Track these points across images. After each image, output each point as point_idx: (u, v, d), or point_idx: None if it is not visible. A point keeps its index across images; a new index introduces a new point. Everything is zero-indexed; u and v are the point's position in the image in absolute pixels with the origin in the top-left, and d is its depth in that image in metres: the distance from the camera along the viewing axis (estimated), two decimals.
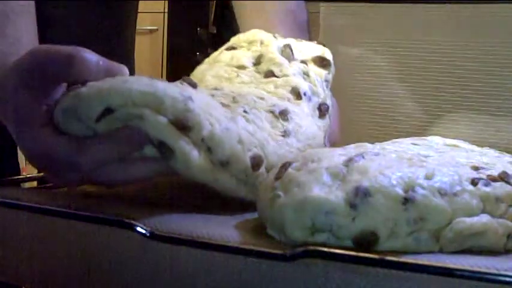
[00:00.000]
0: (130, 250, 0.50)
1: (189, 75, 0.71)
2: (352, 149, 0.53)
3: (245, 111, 0.58)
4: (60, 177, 0.55)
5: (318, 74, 0.70)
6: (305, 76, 0.69)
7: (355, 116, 0.89)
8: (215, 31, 1.66)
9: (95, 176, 0.53)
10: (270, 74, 0.68)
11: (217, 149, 0.52)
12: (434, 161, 0.51)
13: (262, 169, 0.56)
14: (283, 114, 0.61)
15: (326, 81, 0.70)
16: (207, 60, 0.73)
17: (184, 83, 0.56)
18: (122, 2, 0.92)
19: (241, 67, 0.70)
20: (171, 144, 0.51)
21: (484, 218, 0.47)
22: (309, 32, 0.88)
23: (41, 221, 0.54)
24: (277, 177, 0.50)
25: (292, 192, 0.47)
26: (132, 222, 0.49)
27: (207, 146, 0.52)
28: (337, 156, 0.50)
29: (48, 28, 0.63)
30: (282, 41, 0.73)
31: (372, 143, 0.57)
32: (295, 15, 0.87)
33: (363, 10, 0.90)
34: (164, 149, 0.51)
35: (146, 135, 0.51)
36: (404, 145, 0.59)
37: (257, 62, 0.70)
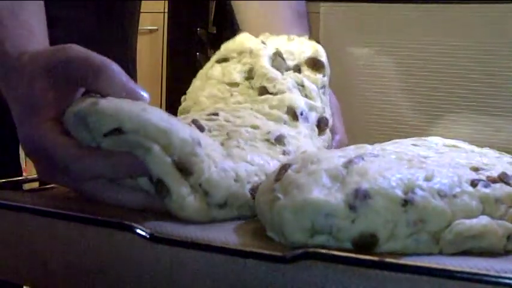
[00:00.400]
0: (131, 252, 0.50)
1: (185, 93, 0.71)
2: (351, 151, 0.52)
3: (239, 143, 0.57)
4: (49, 175, 0.55)
5: (313, 81, 0.69)
6: (300, 87, 0.68)
7: (355, 117, 0.89)
8: (215, 31, 1.66)
9: (82, 187, 0.53)
10: (263, 90, 0.67)
11: (214, 192, 0.52)
12: (434, 162, 0.51)
13: None
14: (279, 140, 0.60)
15: (323, 87, 0.69)
16: (199, 74, 0.72)
17: (193, 125, 0.57)
18: (124, 2, 0.92)
19: (234, 84, 0.69)
20: (170, 185, 0.51)
21: (484, 220, 0.47)
22: (309, 27, 0.87)
23: (41, 223, 0.54)
24: (277, 179, 0.49)
25: (291, 194, 0.47)
26: (133, 224, 0.49)
27: (204, 189, 0.52)
28: (337, 158, 0.50)
29: (50, 28, 0.63)
30: (272, 47, 0.71)
31: (372, 143, 0.57)
32: (293, 8, 0.87)
33: (363, 10, 0.90)
34: (161, 187, 0.52)
35: (147, 167, 0.51)
36: (405, 146, 0.58)
37: (249, 76, 0.69)
